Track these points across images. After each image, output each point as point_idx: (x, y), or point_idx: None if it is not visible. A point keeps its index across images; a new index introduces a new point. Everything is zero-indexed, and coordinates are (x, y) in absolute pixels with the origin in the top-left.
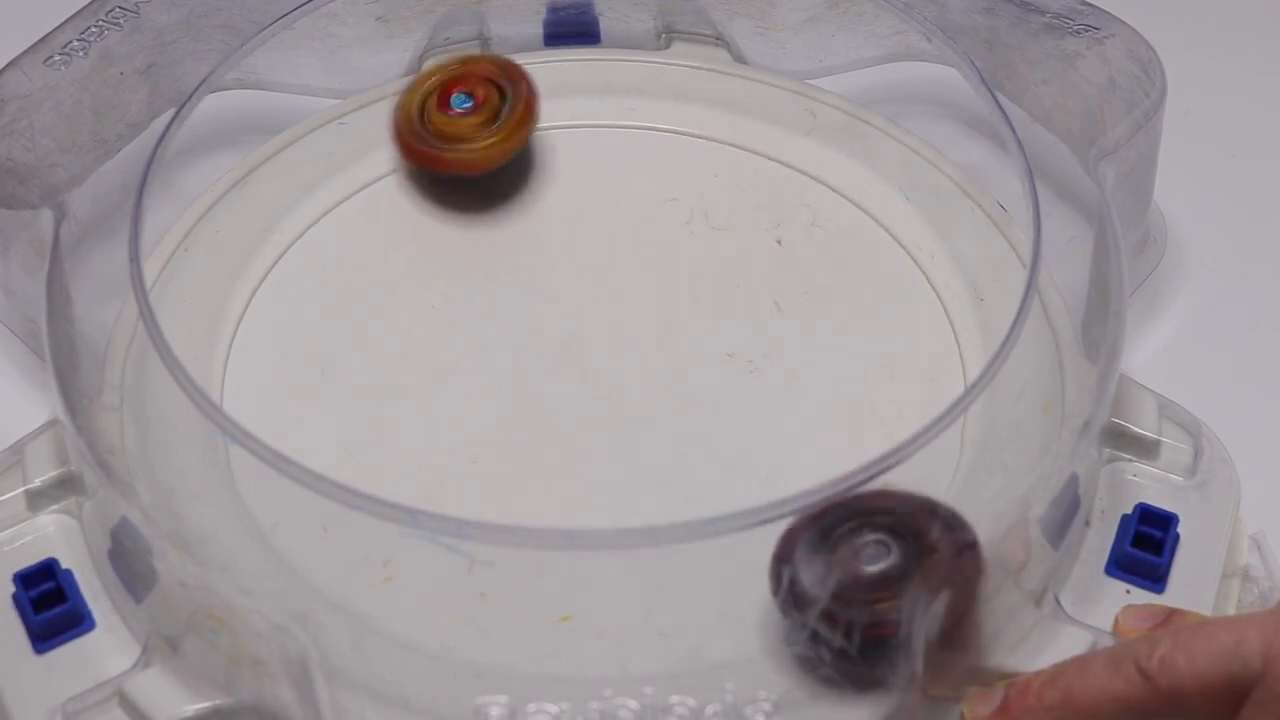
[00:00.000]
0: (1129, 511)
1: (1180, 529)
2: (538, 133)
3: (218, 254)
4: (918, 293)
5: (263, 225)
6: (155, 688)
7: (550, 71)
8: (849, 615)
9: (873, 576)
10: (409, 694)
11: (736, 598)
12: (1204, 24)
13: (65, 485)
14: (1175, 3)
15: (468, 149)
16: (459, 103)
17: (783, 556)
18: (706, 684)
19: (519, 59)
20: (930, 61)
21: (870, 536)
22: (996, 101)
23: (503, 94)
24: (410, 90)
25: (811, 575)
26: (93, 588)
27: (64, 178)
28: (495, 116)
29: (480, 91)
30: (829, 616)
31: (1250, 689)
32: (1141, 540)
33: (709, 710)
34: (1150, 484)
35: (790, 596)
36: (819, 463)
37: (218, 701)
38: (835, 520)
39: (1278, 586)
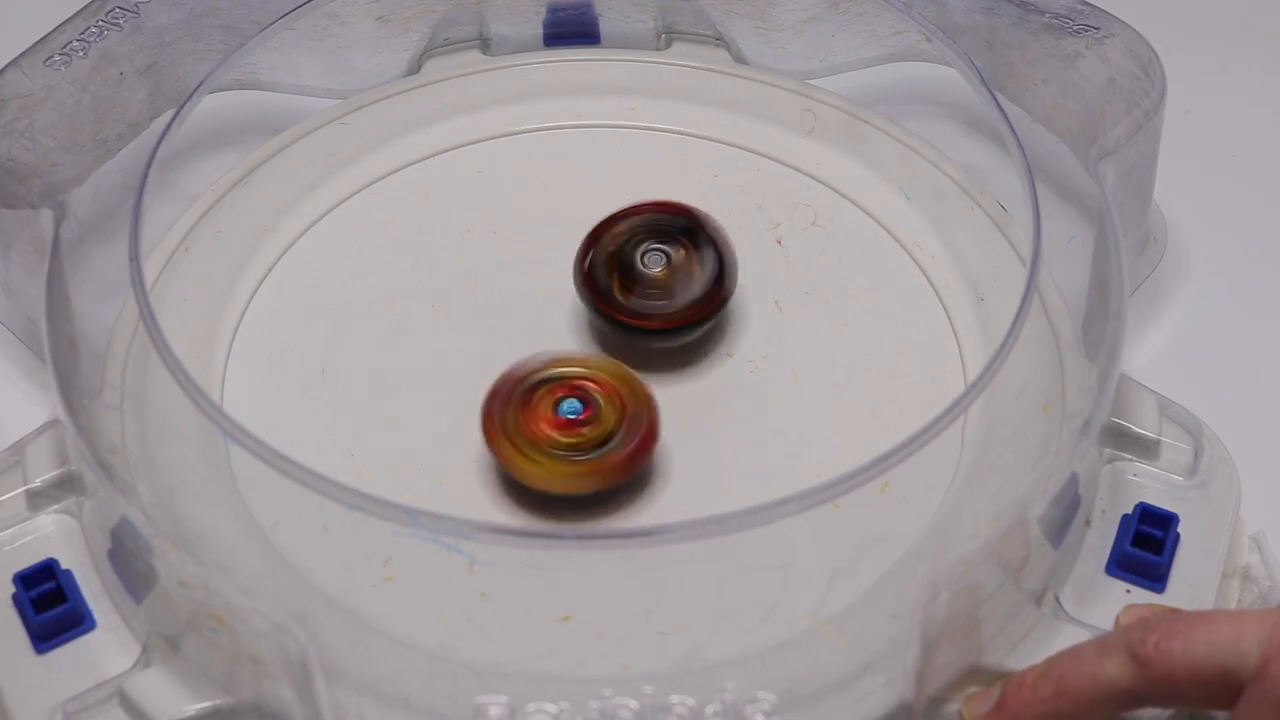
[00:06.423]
0: (1129, 511)
1: (1180, 529)
2: (538, 133)
3: (218, 254)
4: (918, 293)
5: (263, 225)
6: (155, 687)
7: (550, 71)
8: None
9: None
10: (409, 693)
11: (736, 598)
12: (1204, 24)
13: (65, 485)
14: (1175, 3)
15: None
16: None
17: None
18: (706, 684)
19: (519, 59)
20: (930, 61)
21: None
22: (996, 101)
23: None
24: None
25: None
26: (93, 588)
27: (64, 177)
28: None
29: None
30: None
31: (1242, 685)
32: (1142, 540)
33: (709, 710)
34: (1150, 484)
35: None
36: (819, 463)
37: (218, 701)
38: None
39: (1278, 586)
